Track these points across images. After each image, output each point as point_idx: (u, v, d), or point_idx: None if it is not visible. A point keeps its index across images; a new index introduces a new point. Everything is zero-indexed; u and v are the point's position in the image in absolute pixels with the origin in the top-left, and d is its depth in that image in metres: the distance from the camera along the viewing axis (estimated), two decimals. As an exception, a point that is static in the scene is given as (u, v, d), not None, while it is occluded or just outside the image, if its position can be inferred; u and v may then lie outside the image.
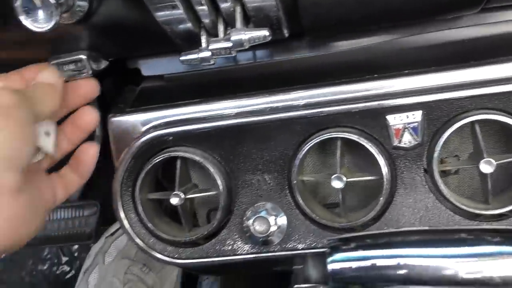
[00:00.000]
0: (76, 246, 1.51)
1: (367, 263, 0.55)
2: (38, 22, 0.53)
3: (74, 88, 0.71)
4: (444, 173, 0.71)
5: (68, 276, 1.51)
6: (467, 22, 0.74)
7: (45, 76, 0.66)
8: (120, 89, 0.83)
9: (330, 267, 0.55)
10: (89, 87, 0.73)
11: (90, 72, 0.72)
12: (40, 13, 0.52)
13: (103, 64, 0.74)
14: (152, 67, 0.81)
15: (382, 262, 0.55)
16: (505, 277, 0.59)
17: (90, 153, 0.73)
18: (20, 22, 0.53)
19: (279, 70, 0.79)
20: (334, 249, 0.58)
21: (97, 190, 0.78)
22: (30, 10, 0.52)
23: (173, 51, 0.79)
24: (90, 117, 0.73)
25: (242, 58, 0.78)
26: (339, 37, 0.78)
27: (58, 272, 1.50)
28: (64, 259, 1.51)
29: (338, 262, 0.56)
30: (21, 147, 0.58)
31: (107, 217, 1.29)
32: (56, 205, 0.69)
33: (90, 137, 0.76)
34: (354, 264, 0.55)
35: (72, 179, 0.72)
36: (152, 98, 0.78)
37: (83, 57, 0.70)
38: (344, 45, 0.78)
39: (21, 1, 0.52)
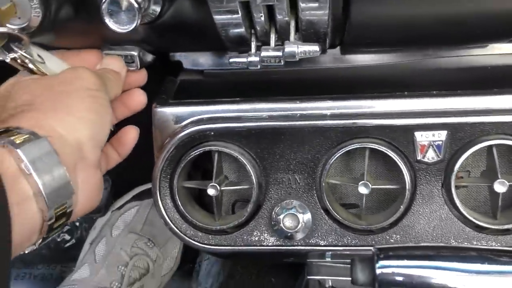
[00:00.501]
0: (78, 216, 1.54)
1: (413, 271, 0.62)
2: (121, 24, 0.57)
3: (126, 77, 0.76)
4: (455, 187, 0.78)
5: (68, 244, 1.54)
6: (494, 50, 0.80)
7: (112, 64, 0.71)
8: (158, 79, 0.87)
9: (378, 271, 0.62)
10: (139, 77, 0.79)
11: (139, 65, 0.76)
12: (123, 16, 0.56)
13: (150, 57, 0.79)
14: (192, 61, 0.86)
15: (427, 273, 0.62)
16: None
17: (132, 135, 0.78)
18: (105, 23, 0.57)
19: (312, 77, 0.84)
20: (382, 256, 0.64)
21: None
22: (114, 12, 0.56)
23: (215, 49, 0.83)
24: (139, 99, 0.79)
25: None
26: (372, 52, 0.83)
27: (59, 239, 1.53)
28: (66, 227, 1.54)
29: (386, 268, 0.62)
30: (106, 126, 0.64)
31: (118, 193, 1.34)
32: None
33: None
34: (401, 271, 0.62)
35: (113, 156, 0.78)
36: (193, 91, 0.82)
37: (135, 53, 0.75)
38: (375, 59, 0.84)
39: (107, 5, 0.55)
